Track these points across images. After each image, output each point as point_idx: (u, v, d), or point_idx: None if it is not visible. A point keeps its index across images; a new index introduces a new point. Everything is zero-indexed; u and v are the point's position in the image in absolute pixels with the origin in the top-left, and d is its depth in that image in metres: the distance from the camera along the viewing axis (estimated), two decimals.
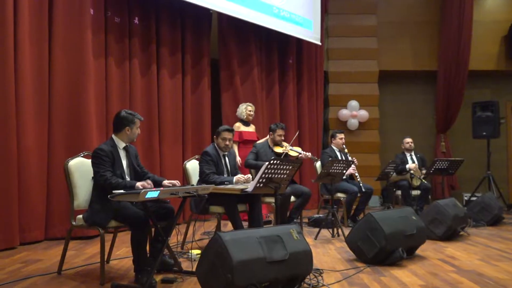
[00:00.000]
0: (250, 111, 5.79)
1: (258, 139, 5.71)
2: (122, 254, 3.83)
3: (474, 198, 7.03)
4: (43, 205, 4.39)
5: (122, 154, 3.17)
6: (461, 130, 8.35)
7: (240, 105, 5.91)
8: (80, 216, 3.12)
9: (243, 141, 5.74)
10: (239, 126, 5.79)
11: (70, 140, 4.55)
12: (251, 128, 5.90)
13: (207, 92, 6.12)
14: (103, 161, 2.99)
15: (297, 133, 5.80)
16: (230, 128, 4.19)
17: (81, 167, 3.24)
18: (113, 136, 3.19)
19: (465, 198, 7.71)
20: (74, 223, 3.15)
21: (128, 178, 3.14)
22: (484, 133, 7.26)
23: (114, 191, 2.66)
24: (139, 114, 3.26)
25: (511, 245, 4.29)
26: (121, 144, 3.17)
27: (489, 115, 7.24)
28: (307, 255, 2.74)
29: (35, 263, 3.50)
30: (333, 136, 5.80)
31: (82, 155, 3.33)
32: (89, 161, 3.14)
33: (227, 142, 4.10)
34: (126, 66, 5.22)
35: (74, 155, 3.33)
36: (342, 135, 5.76)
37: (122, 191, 2.69)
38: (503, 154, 8.50)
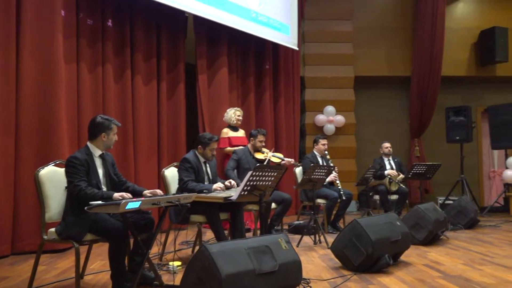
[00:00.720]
0: (238, 116, 5.69)
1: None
2: (97, 268, 3.61)
3: (448, 202, 7.14)
4: (9, 218, 4.10)
5: (98, 162, 2.99)
6: (434, 135, 8.49)
7: (228, 110, 5.80)
8: (53, 229, 2.90)
9: (233, 147, 5.60)
10: (227, 132, 5.67)
11: (40, 148, 4.28)
12: (240, 133, 5.78)
13: (183, 98, 5.94)
14: (78, 170, 2.81)
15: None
16: (217, 138, 4.06)
17: (53, 176, 3.03)
18: (88, 143, 3.00)
19: (440, 201, 7.81)
20: (45, 237, 2.93)
21: (104, 188, 2.95)
22: (458, 138, 7.41)
23: (91, 202, 2.47)
24: (116, 120, 3.09)
25: (490, 248, 4.32)
26: (97, 152, 2.98)
27: (462, 120, 7.38)
28: (297, 265, 2.64)
29: (1, 281, 3.24)
30: (316, 142, 5.74)
31: (54, 163, 3.12)
32: (62, 170, 2.95)
33: (214, 152, 3.99)
34: (99, 72, 4.99)
35: (44, 164, 3.11)
36: (325, 141, 5.72)
37: (99, 202, 2.51)
38: (474, 158, 8.69)
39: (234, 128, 5.73)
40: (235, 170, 4.85)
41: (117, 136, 3.08)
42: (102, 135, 2.95)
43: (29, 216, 4.15)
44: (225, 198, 3.36)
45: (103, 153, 3.02)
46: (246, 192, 3.16)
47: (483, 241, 4.71)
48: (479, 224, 5.81)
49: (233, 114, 5.68)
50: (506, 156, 7.55)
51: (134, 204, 2.43)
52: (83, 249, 3.39)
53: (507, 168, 7.36)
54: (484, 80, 8.66)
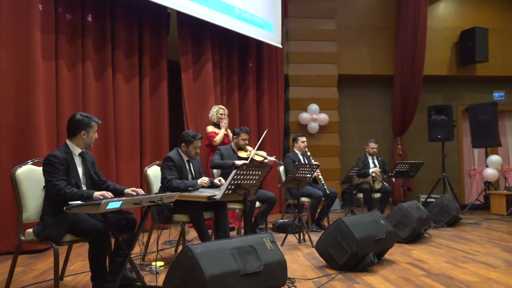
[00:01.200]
0: (221, 114, 5.62)
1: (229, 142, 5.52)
2: (77, 269, 3.52)
3: (430, 200, 7.23)
4: None
5: (78, 161, 2.90)
6: (416, 133, 8.58)
7: (212, 107, 5.72)
8: (30, 230, 2.81)
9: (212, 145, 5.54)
10: (210, 129, 5.59)
11: (18, 147, 4.16)
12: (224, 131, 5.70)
13: (166, 95, 5.84)
14: (56, 169, 2.71)
15: (264, 134, 5.67)
16: (201, 136, 4.00)
17: (30, 175, 2.93)
18: (67, 141, 2.90)
19: (422, 199, 7.89)
20: (23, 238, 2.83)
21: (84, 187, 2.87)
22: (439, 136, 7.50)
23: (70, 202, 2.39)
24: (96, 117, 3.00)
25: (472, 245, 4.37)
26: (76, 150, 2.89)
27: (444, 119, 7.48)
28: (282, 265, 2.60)
29: None
30: (295, 140, 5.73)
31: (31, 162, 3.01)
32: (40, 169, 2.85)
33: (198, 150, 3.93)
34: (79, 69, 4.87)
35: (21, 162, 3.01)
36: (304, 138, 5.70)
37: (79, 202, 2.43)
38: (455, 156, 8.81)
39: (218, 126, 5.67)
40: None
41: (97, 134, 2.99)
42: (82, 133, 2.86)
43: (6, 216, 4.02)
44: (209, 197, 3.30)
45: (82, 152, 2.93)
46: (230, 191, 3.11)
47: (465, 239, 4.76)
48: (461, 221, 5.87)
49: (216, 112, 5.63)
50: (487, 155, 7.68)
51: (115, 204, 2.36)
52: (63, 250, 3.31)
53: (487, 166, 7.48)
54: (464, 80, 8.79)
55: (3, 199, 4.02)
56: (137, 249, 3.83)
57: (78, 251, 4.09)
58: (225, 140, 5.60)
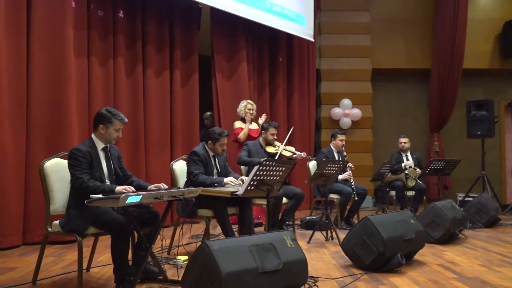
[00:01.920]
0: (249, 109, 5.56)
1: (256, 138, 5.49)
2: (105, 261, 3.58)
3: (468, 199, 6.91)
4: (20, 209, 4.14)
5: (102, 155, 2.93)
6: (454, 130, 8.23)
7: (241, 102, 5.69)
8: (57, 222, 2.87)
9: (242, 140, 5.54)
10: (238, 124, 5.57)
11: (51, 141, 4.29)
12: (252, 126, 5.66)
13: (197, 88, 5.85)
14: (80, 162, 2.75)
15: (291, 130, 5.59)
16: (228, 133, 3.97)
17: (58, 168, 2.99)
18: (92, 135, 2.94)
19: (459, 198, 7.57)
20: (50, 229, 2.90)
21: (108, 182, 2.89)
22: (479, 133, 7.13)
23: (91, 196, 2.42)
24: (122, 115, 2.95)
25: (511, 248, 4.13)
26: (99, 145, 2.91)
27: (484, 114, 7.10)
28: (302, 264, 2.54)
29: (8, 272, 3.24)
30: (334, 136, 5.57)
31: (59, 155, 3.08)
32: (66, 162, 2.89)
33: (225, 147, 3.91)
34: (110, 65, 4.93)
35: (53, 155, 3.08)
36: (343, 137, 5.55)
37: (100, 195, 2.45)
38: (496, 153, 8.39)
39: (245, 121, 5.62)
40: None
41: (121, 133, 2.97)
42: (100, 127, 2.87)
43: (38, 207, 4.14)
44: (232, 193, 3.27)
45: (107, 146, 2.95)
46: (253, 187, 3.07)
47: (503, 241, 4.51)
48: (500, 222, 5.58)
49: (244, 107, 5.57)
50: None
51: (134, 198, 2.37)
52: (90, 241, 3.38)
53: None
54: (508, 73, 8.33)
55: (36, 192, 4.13)
56: (164, 243, 3.86)
57: (107, 243, 4.14)
58: (252, 134, 5.54)
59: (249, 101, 5.68)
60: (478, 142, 7.43)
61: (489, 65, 8.12)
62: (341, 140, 5.52)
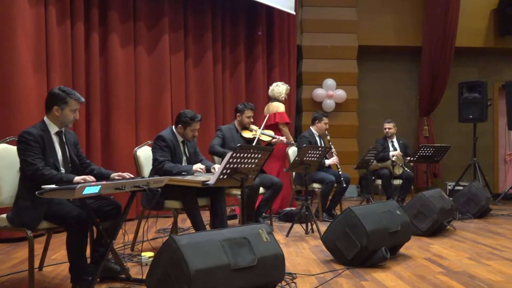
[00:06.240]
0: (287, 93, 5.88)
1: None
2: (60, 259, 3.55)
3: (458, 188, 7.11)
4: None
5: (55, 139, 2.87)
6: (445, 113, 8.40)
7: (280, 84, 5.88)
8: (4, 215, 2.82)
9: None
10: (279, 107, 5.75)
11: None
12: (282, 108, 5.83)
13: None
14: (32, 147, 2.69)
15: (268, 115, 5.61)
16: (201, 118, 3.94)
17: (5, 155, 2.93)
18: (44, 118, 2.88)
19: (449, 187, 7.78)
20: None
21: (63, 170, 2.85)
22: (471, 116, 7.31)
23: (43, 186, 2.38)
24: (78, 94, 2.89)
25: (501, 240, 4.30)
26: (53, 128, 2.86)
27: (477, 97, 7.28)
28: (279, 260, 2.58)
29: None
30: (318, 119, 5.58)
31: (7, 140, 3.01)
32: (15, 148, 2.83)
33: (196, 133, 3.91)
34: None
35: None
36: (327, 120, 5.61)
37: (53, 186, 2.42)
38: (489, 139, 8.63)
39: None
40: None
41: (78, 114, 2.93)
42: (55, 108, 2.81)
43: None
44: (203, 182, 3.27)
45: (60, 131, 2.90)
46: (225, 176, 3.07)
47: (494, 233, 4.68)
48: (491, 213, 5.78)
49: (286, 90, 5.83)
50: None
51: (92, 189, 2.34)
52: (43, 238, 3.34)
53: None
54: (503, 53, 8.53)
55: None
56: (127, 238, 3.84)
57: (62, 239, 4.11)
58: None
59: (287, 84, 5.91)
60: (470, 126, 7.62)
61: (483, 43, 8.29)
62: (326, 124, 5.57)
